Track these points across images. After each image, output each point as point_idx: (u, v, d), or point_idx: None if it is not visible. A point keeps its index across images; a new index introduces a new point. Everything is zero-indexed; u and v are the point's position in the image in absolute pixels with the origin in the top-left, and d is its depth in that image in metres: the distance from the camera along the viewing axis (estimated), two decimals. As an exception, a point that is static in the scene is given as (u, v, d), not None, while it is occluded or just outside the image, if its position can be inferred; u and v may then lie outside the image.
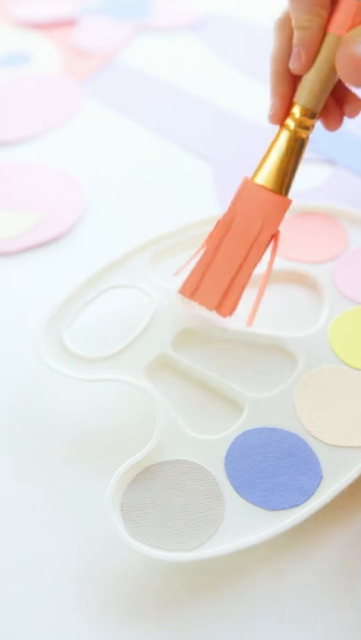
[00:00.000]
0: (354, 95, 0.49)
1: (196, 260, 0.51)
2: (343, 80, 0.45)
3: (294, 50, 0.47)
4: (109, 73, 0.80)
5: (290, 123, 0.48)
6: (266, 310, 0.53)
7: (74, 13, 0.89)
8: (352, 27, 0.45)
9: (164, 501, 0.43)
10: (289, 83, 0.48)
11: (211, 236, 0.50)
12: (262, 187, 0.48)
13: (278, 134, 0.48)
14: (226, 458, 0.45)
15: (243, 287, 0.50)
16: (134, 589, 0.41)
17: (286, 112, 0.48)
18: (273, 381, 0.49)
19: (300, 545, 0.42)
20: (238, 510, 0.43)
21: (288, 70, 0.48)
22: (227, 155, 0.69)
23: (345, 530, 0.43)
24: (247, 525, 0.42)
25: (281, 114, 0.48)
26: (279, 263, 0.55)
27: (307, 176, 0.65)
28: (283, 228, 0.58)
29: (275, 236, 0.49)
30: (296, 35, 0.46)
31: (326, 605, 0.40)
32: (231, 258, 0.49)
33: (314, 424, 0.46)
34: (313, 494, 0.43)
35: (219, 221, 0.50)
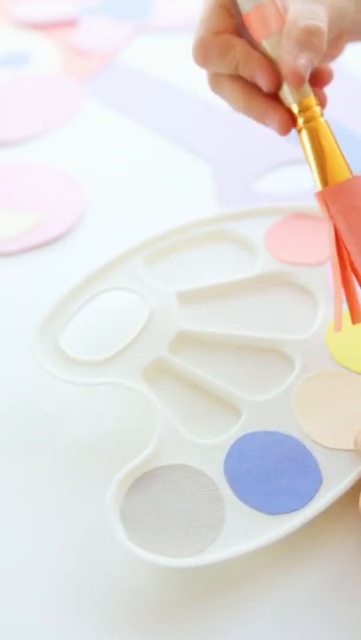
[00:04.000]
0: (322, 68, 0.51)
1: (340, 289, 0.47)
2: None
3: (254, 78, 0.49)
4: (109, 73, 0.80)
5: (302, 122, 0.48)
6: (262, 312, 0.53)
7: (74, 13, 0.89)
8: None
9: (163, 506, 0.43)
10: (268, 101, 0.49)
11: (343, 257, 0.47)
12: (332, 185, 0.48)
13: (301, 139, 0.48)
14: (225, 462, 0.45)
15: None
16: (135, 595, 0.41)
17: (289, 119, 0.49)
18: (271, 384, 0.49)
19: (301, 549, 0.42)
20: (238, 515, 0.42)
21: (257, 95, 0.49)
22: (226, 155, 0.69)
23: (345, 533, 0.43)
24: (247, 530, 0.42)
25: (285, 123, 0.49)
26: (273, 266, 0.55)
27: (305, 177, 0.65)
28: (278, 230, 0.58)
29: None
30: (241, 70, 0.49)
31: (328, 609, 0.40)
32: None
33: (312, 427, 0.46)
34: (313, 498, 0.43)
35: (336, 244, 0.47)
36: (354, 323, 0.47)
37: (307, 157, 0.48)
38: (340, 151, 0.48)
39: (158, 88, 0.78)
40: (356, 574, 0.41)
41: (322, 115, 0.48)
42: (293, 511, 0.42)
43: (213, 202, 0.64)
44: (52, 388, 0.50)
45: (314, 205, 0.59)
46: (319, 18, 0.47)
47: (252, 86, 0.50)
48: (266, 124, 0.50)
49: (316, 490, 0.43)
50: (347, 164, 0.48)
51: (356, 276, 0.47)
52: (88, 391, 0.50)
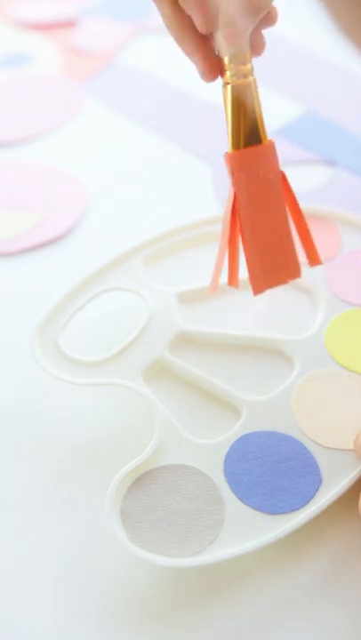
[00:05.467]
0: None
1: (224, 255, 0.49)
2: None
3: (189, 13, 0.45)
4: (109, 73, 0.80)
5: (229, 76, 0.45)
6: (261, 313, 0.53)
7: (74, 14, 0.88)
8: None
9: (164, 506, 0.43)
10: (199, 39, 0.46)
11: (235, 223, 0.48)
12: (246, 149, 0.47)
13: (225, 93, 0.46)
14: (225, 462, 0.45)
15: (292, 241, 0.49)
16: (135, 595, 0.41)
17: (216, 66, 0.46)
18: (270, 384, 0.49)
19: (301, 548, 0.42)
20: (238, 515, 0.43)
21: (191, 30, 0.46)
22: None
23: (345, 532, 0.43)
24: (248, 530, 0.42)
25: (210, 69, 0.46)
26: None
27: (307, 177, 0.65)
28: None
29: (283, 178, 0.48)
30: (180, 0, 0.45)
31: (328, 608, 0.40)
32: (266, 226, 0.48)
33: (312, 427, 0.46)
34: (313, 498, 0.43)
35: (231, 208, 0.47)
36: (229, 284, 0.48)
37: (225, 113, 0.46)
38: (261, 115, 0.46)
39: (158, 88, 0.78)
40: (357, 574, 0.41)
41: (251, 73, 0.46)
42: (293, 511, 0.43)
43: (213, 202, 0.64)
44: (51, 388, 0.50)
45: (312, 206, 0.59)
46: None
47: (188, 19, 0.46)
48: (192, 62, 0.47)
49: (316, 490, 0.43)
50: (263, 129, 0.47)
51: (244, 246, 0.47)
52: (88, 391, 0.50)
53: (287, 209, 0.49)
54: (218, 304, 0.54)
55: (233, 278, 0.48)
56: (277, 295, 0.54)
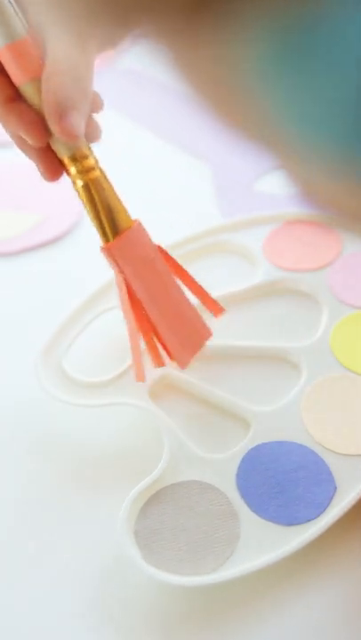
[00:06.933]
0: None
1: (137, 337, 0.48)
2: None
3: (18, 133, 0.43)
4: (109, 73, 0.80)
5: (75, 174, 0.44)
6: (265, 321, 0.53)
7: (72, 13, 0.88)
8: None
9: (178, 524, 0.42)
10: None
11: (138, 308, 0.47)
12: (116, 239, 0.46)
13: (77, 192, 0.45)
14: (237, 475, 0.44)
15: (191, 305, 0.49)
16: (153, 615, 0.41)
17: (58, 167, 0.44)
18: (278, 393, 0.48)
19: (319, 557, 0.42)
20: (254, 528, 0.42)
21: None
22: (227, 156, 0.69)
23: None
24: (264, 543, 0.41)
25: (50, 171, 0.44)
26: (274, 273, 0.55)
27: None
28: (275, 238, 0.57)
29: (160, 250, 0.48)
30: (3, 125, 0.43)
31: (350, 619, 0.40)
32: (166, 300, 0.48)
33: (323, 434, 0.45)
34: (328, 506, 0.42)
35: (128, 296, 0.47)
36: (156, 366, 0.48)
37: (85, 207, 0.46)
38: (118, 200, 0.46)
39: (158, 88, 0.77)
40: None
41: (96, 165, 0.45)
42: (310, 520, 0.42)
43: (213, 202, 0.63)
44: (58, 409, 0.49)
45: (310, 210, 0.59)
46: (76, 73, 0.41)
47: None
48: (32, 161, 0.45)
49: (331, 497, 0.43)
50: (125, 214, 0.46)
51: (150, 324, 0.47)
52: (95, 411, 0.49)
53: (173, 276, 0.49)
54: (221, 316, 0.54)
55: (157, 359, 0.48)
56: (279, 302, 0.53)
